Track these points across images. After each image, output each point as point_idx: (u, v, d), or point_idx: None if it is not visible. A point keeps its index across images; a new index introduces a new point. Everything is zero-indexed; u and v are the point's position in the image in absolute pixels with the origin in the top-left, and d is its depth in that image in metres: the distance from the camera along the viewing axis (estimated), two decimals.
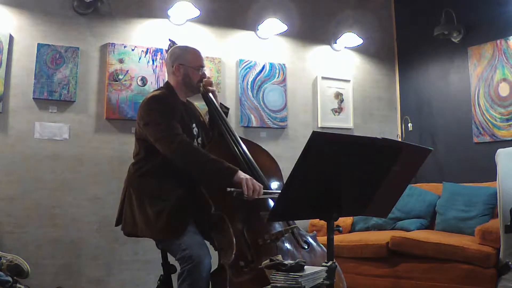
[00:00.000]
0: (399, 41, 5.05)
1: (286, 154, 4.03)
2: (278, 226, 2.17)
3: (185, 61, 2.32)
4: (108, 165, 3.56)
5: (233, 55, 4.17)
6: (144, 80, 3.72)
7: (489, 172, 3.24)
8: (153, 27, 3.85)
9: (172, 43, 2.54)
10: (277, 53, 4.38)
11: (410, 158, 1.75)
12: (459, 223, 3.43)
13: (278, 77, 4.31)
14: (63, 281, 3.30)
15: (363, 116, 4.80)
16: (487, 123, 4.08)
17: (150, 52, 3.76)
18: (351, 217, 3.96)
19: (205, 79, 2.39)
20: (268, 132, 4.25)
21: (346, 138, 1.72)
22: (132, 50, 3.71)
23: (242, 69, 4.15)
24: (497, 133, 4.00)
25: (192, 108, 2.47)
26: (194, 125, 2.35)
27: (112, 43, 3.64)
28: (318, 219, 1.92)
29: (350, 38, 4.57)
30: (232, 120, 4.03)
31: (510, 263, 2.80)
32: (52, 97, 3.41)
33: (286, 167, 1.94)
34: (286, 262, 1.70)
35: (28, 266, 2.87)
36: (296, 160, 1.50)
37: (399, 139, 4.74)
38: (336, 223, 1.74)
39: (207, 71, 2.48)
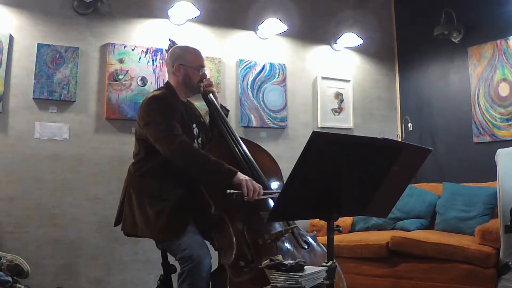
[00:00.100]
0: (399, 41, 5.05)
1: (286, 154, 4.03)
2: (278, 226, 2.18)
3: (186, 61, 2.32)
4: (108, 165, 3.56)
5: (233, 55, 4.17)
6: (144, 80, 3.72)
7: (489, 172, 3.24)
8: (153, 27, 3.85)
9: (172, 43, 2.54)
10: (277, 53, 4.39)
11: (410, 158, 1.75)
12: (459, 223, 3.43)
13: (278, 77, 4.31)
14: (63, 281, 3.30)
15: (363, 116, 4.80)
16: (487, 123, 4.08)
17: (150, 52, 3.76)
18: (351, 217, 3.96)
19: (205, 80, 2.39)
20: (268, 132, 4.25)
21: (346, 138, 1.72)
22: (132, 50, 3.71)
23: (242, 69, 4.15)
24: (497, 133, 4.00)
25: (193, 108, 2.47)
26: (194, 125, 2.36)
27: (112, 43, 3.64)
28: (318, 219, 1.93)
29: (350, 38, 4.57)
30: (232, 120, 4.03)
31: (510, 263, 2.80)
32: (52, 97, 3.41)
33: (286, 167, 1.94)
34: (286, 262, 1.69)
35: (28, 266, 2.86)
36: (296, 160, 1.50)
37: (399, 139, 4.74)
38: (336, 223, 1.74)
39: (207, 71, 2.48)
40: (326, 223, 1.71)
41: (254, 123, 4.15)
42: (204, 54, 2.44)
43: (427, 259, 3.13)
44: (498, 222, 2.89)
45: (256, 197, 2.03)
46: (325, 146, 1.53)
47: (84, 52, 3.58)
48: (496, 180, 2.90)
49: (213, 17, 4.09)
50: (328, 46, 4.68)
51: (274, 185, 2.35)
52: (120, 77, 3.64)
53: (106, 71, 3.61)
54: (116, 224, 2.34)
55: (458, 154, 4.31)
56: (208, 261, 2.03)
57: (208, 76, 2.46)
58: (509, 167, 2.86)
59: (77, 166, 3.47)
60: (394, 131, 4.95)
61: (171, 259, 2.21)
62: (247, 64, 4.18)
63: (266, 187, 2.20)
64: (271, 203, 2.20)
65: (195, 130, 2.35)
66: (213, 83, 2.54)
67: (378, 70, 4.96)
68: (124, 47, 3.68)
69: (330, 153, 1.55)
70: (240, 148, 2.30)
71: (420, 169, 1.87)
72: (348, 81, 4.71)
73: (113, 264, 3.50)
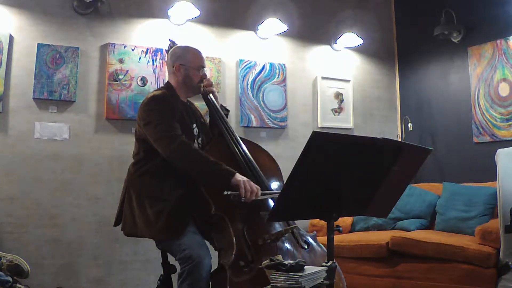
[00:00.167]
0: (399, 41, 5.05)
1: (286, 154, 4.04)
2: (278, 226, 2.18)
3: (186, 61, 2.32)
4: (108, 165, 3.56)
5: (233, 55, 4.17)
6: (144, 80, 3.72)
7: (489, 172, 3.23)
8: (153, 27, 3.85)
9: (172, 43, 2.54)
10: (277, 53, 4.39)
11: (410, 158, 1.75)
12: (459, 223, 3.43)
13: (278, 77, 4.31)
14: (63, 281, 3.30)
15: (363, 116, 4.80)
16: (487, 123, 4.08)
17: (150, 52, 3.76)
18: (351, 217, 3.96)
19: (205, 80, 2.39)
20: (268, 132, 4.25)
21: (346, 138, 1.72)
22: (132, 50, 3.71)
23: (242, 69, 4.15)
24: (497, 133, 4.00)
25: (193, 108, 2.47)
26: (194, 125, 2.36)
27: (112, 43, 3.64)
28: (318, 219, 1.93)
29: (350, 38, 4.57)
30: (232, 120, 4.03)
31: (510, 263, 2.80)
32: (52, 97, 3.41)
33: (286, 167, 1.94)
34: (286, 262, 1.69)
35: (28, 266, 2.86)
36: (296, 160, 1.50)
37: (399, 139, 4.73)
38: (336, 223, 1.74)
39: (207, 71, 2.48)
40: (326, 223, 1.71)
41: (254, 123, 4.15)
42: (204, 54, 2.44)
43: (427, 259, 3.13)
44: (498, 222, 2.88)
45: (254, 198, 2.03)
46: (325, 146, 1.53)
47: (84, 52, 3.58)
48: (496, 180, 2.90)
49: (213, 17, 4.09)
50: (328, 46, 4.68)
51: (274, 185, 2.35)
52: (120, 77, 3.64)
53: (106, 71, 3.61)
54: (116, 224, 2.34)
55: (458, 154, 4.31)
56: (208, 261, 2.03)
57: (208, 76, 2.46)
58: (509, 167, 2.86)
59: (77, 166, 3.47)
60: (394, 131, 4.95)
61: (171, 259, 2.21)
62: (247, 64, 4.18)
63: (266, 187, 2.20)
64: (271, 203, 2.20)
65: (195, 130, 2.35)
66: (213, 83, 2.54)
67: (378, 70, 4.96)
68: (124, 47, 3.68)
69: (330, 153, 1.55)
70: (240, 148, 2.30)
71: (420, 169, 1.87)
72: (348, 81, 4.71)
73: (113, 264, 3.50)
